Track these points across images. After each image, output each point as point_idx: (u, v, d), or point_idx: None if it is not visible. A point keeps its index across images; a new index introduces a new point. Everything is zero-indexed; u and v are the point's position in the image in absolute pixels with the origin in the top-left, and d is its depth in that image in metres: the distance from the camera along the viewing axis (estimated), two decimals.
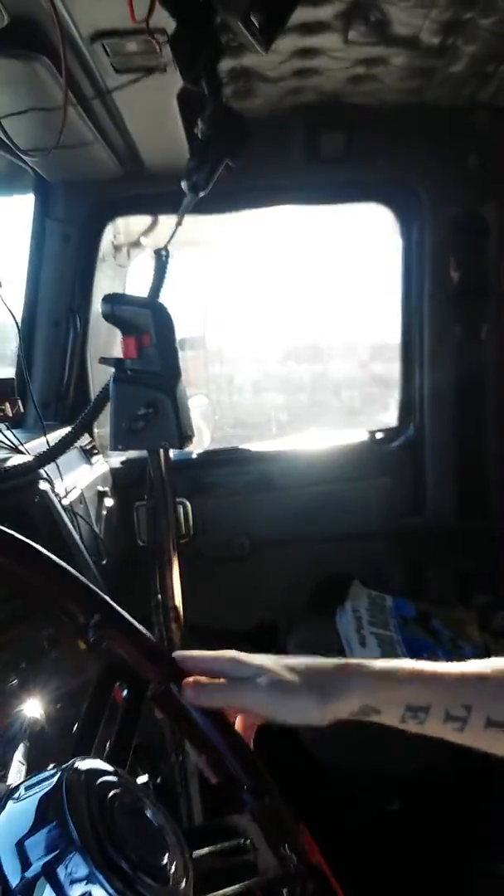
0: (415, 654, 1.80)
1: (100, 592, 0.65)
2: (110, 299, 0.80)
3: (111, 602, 0.65)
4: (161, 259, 1.08)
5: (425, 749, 1.79)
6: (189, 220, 1.28)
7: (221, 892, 0.51)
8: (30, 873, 0.42)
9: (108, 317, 0.77)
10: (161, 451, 0.88)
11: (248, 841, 0.55)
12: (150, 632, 0.66)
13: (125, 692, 0.63)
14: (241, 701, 0.63)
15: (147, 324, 0.73)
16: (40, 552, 0.65)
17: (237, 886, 0.52)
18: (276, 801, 0.60)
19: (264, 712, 0.64)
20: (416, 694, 0.68)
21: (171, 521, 1.02)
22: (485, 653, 1.85)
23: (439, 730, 0.68)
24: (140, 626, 0.65)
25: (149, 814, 0.50)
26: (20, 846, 0.43)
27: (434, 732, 0.69)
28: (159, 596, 1.15)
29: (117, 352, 2.47)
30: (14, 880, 0.42)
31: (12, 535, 0.64)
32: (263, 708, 0.63)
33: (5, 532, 0.64)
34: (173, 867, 0.47)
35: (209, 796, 0.61)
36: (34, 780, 0.48)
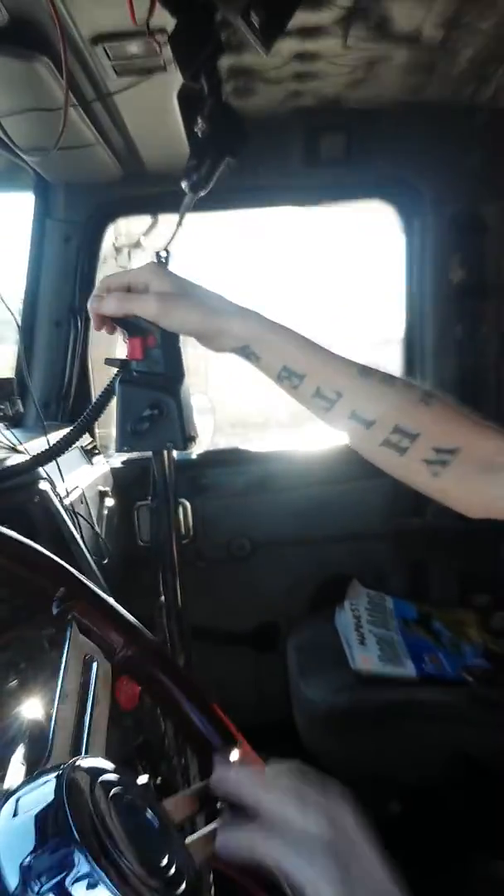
0: (416, 655, 1.82)
1: (66, 566, 0.65)
2: None
3: (77, 575, 0.65)
4: (161, 260, 1.08)
5: (425, 749, 1.80)
6: (190, 220, 1.28)
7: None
8: (28, 868, 0.42)
9: (117, 320, 0.77)
10: (165, 452, 0.88)
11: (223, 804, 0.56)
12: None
13: (95, 665, 0.63)
14: (138, 308, 0.71)
15: (152, 325, 0.73)
16: (7, 534, 0.65)
17: (197, 786, 0.53)
18: (245, 755, 0.60)
19: (152, 315, 0.70)
20: (297, 359, 0.70)
21: (172, 523, 1.02)
22: (485, 653, 1.85)
23: (307, 402, 0.71)
24: (106, 596, 0.65)
25: (149, 813, 0.50)
26: (20, 849, 0.43)
27: (302, 403, 0.72)
28: (162, 597, 1.15)
29: (120, 352, 2.49)
30: (13, 878, 0.42)
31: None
32: (152, 312, 0.70)
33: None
34: (174, 866, 0.47)
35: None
36: (34, 779, 0.48)
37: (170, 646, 1.08)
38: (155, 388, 0.76)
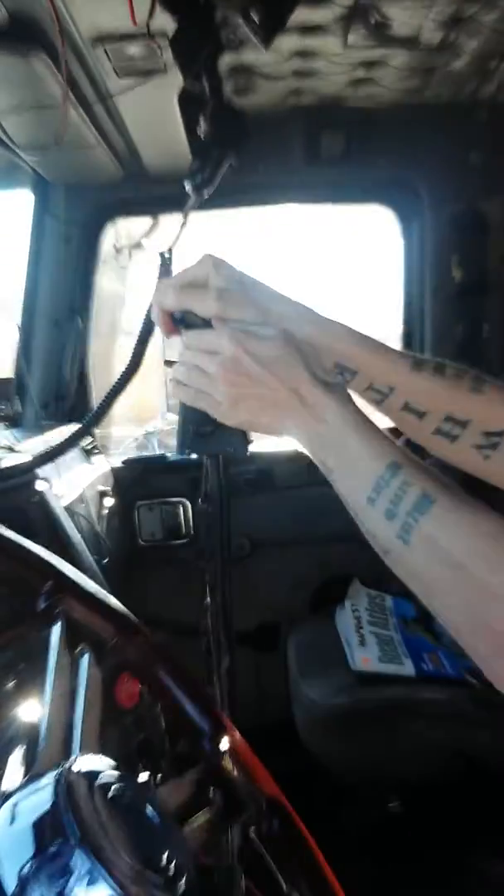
0: (415, 654, 1.81)
1: (53, 561, 0.65)
2: None
3: (64, 568, 0.65)
4: (165, 261, 1.08)
5: (425, 749, 1.79)
6: (192, 221, 1.28)
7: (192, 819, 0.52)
8: (28, 868, 0.42)
9: (178, 322, 0.77)
10: (220, 457, 0.89)
11: (214, 791, 0.55)
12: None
13: (87, 656, 0.62)
14: (196, 305, 0.68)
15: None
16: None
17: (203, 816, 0.53)
18: (235, 742, 0.60)
19: (210, 312, 0.67)
20: (352, 355, 0.70)
21: (224, 526, 1.02)
22: None
23: (360, 394, 0.71)
24: (94, 587, 0.65)
25: (149, 811, 0.50)
26: (18, 842, 0.43)
27: (359, 394, 0.71)
28: (208, 599, 1.15)
29: (118, 353, 2.48)
30: (13, 878, 0.42)
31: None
32: (210, 308, 0.67)
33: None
34: (174, 864, 0.47)
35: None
36: (34, 780, 0.48)
37: (214, 648, 1.08)
38: None
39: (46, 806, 0.45)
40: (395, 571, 0.61)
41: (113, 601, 0.67)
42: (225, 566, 1.01)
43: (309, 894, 0.56)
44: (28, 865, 0.42)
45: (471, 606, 0.53)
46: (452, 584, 0.54)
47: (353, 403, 0.64)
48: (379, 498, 0.58)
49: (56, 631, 0.62)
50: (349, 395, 0.65)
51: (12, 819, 0.46)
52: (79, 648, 0.63)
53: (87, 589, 0.65)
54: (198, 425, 0.76)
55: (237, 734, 0.61)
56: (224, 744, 0.60)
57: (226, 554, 1.00)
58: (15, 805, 0.46)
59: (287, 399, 0.65)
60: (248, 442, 0.77)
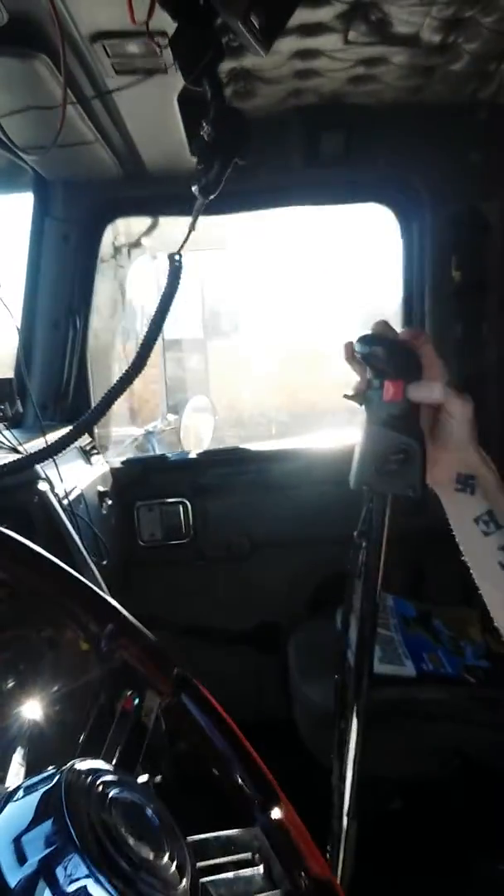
0: (415, 654, 1.81)
1: (112, 602, 0.65)
2: (368, 340, 0.80)
3: (124, 612, 0.65)
4: (174, 265, 1.07)
5: (425, 748, 1.79)
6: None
7: None
8: (27, 869, 0.42)
9: (366, 356, 0.78)
10: (389, 497, 0.91)
11: (257, 855, 0.55)
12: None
13: (136, 701, 0.63)
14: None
15: (411, 370, 0.75)
16: (51, 561, 0.65)
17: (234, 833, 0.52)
18: (287, 816, 0.59)
19: (436, 397, 0.75)
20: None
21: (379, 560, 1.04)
22: (486, 653, 1.84)
23: (479, 541, 0.77)
24: (151, 636, 0.65)
25: (149, 813, 0.50)
26: (17, 842, 0.43)
27: (471, 540, 0.78)
28: (351, 616, 1.17)
29: (118, 354, 2.47)
30: (12, 879, 0.42)
31: (24, 544, 0.64)
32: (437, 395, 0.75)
33: (15, 540, 0.64)
34: (173, 866, 0.47)
35: (216, 806, 0.61)
36: (33, 781, 0.48)
37: (357, 667, 1.11)
38: (404, 432, 0.77)
39: (46, 807, 0.45)
40: None
41: (169, 656, 0.67)
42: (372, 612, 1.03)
43: None
44: (28, 867, 0.42)
45: None
46: None
47: None
48: None
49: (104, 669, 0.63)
50: None
51: (12, 819, 0.46)
52: (129, 692, 0.63)
53: (150, 640, 0.65)
54: (381, 463, 0.77)
55: (290, 807, 0.60)
56: (276, 814, 0.59)
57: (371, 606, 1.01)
58: (15, 805, 0.46)
59: None
60: (425, 486, 0.78)
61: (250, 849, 0.54)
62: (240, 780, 0.60)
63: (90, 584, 0.66)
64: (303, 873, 0.55)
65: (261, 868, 0.53)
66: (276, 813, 0.59)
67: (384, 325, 0.80)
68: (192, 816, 0.54)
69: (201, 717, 0.62)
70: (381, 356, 0.76)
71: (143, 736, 0.61)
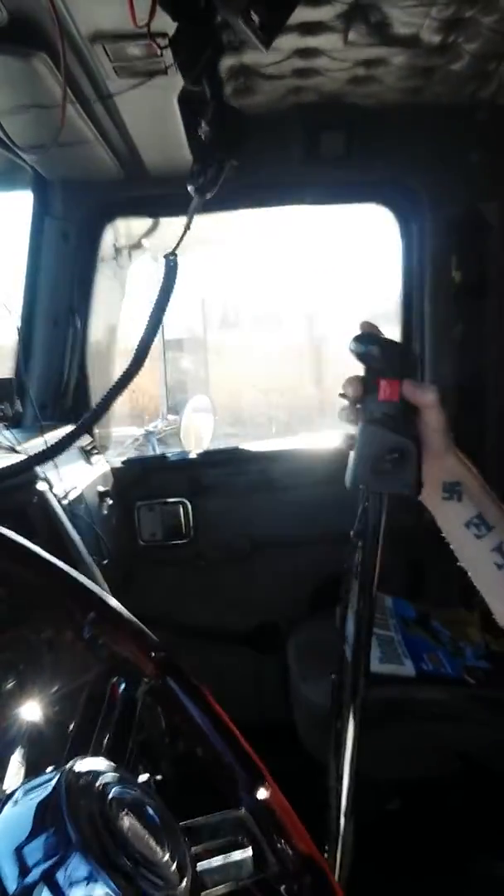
0: (415, 654, 1.81)
1: (96, 589, 0.65)
2: (364, 340, 0.80)
3: (107, 598, 0.65)
4: (169, 264, 1.08)
5: (425, 748, 1.79)
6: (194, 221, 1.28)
7: (220, 888, 0.51)
8: (28, 880, 0.42)
9: (362, 355, 0.78)
10: (385, 496, 0.91)
11: (244, 838, 0.55)
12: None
13: (122, 687, 0.63)
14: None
15: (406, 370, 0.76)
16: (36, 552, 0.65)
17: (236, 883, 0.52)
18: (271, 795, 0.60)
19: (430, 400, 0.76)
20: (492, 511, 0.78)
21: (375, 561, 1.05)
22: (486, 653, 1.84)
23: (475, 545, 0.78)
24: (136, 621, 0.65)
25: (149, 811, 0.50)
26: (19, 852, 0.43)
27: (465, 545, 0.79)
28: (348, 615, 1.17)
29: (117, 354, 2.48)
30: (12, 887, 0.42)
31: (8, 536, 0.64)
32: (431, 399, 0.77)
33: (2, 533, 0.64)
34: (175, 864, 0.47)
35: (204, 790, 0.61)
36: (33, 782, 0.48)
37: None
38: (399, 431, 0.78)
39: (46, 810, 0.45)
40: None
41: (154, 639, 0.67)
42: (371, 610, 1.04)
43: None
44: (28, 867, 0.42)
45: None
46: None
47: None
48: None
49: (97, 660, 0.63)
50: None
51: (12, 820, 0.46)
52: (114, 679, 0.63)
53: (130, 623, 0.65)
54: (376, 462, 0.77)
55: (276, 786, 0.60)
56: (261, 794, 0.59)
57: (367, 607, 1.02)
58: (15, 806, 0.46)
59: None
60: (420, 486, 0.78)
61: (238, 832, 0.55)
62: (225, 761, 0.60)
63: (75, 574, 0.66)
64: (290, 852, 0.55)
65: (249, 850, 0.53)
66: (261, 793, 0.59)
67: (368, 325, 0.80)
68: (185, 806, 0.54)
69: (186, 700, 0.62)
70: (377, 355, 0.76)
71: (131, 721, 0.61)
